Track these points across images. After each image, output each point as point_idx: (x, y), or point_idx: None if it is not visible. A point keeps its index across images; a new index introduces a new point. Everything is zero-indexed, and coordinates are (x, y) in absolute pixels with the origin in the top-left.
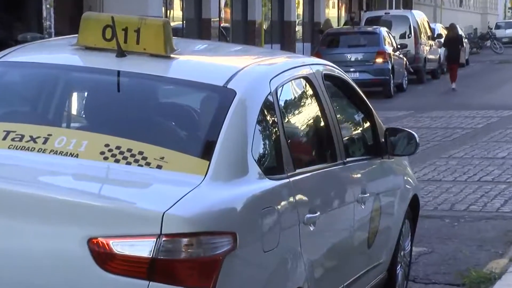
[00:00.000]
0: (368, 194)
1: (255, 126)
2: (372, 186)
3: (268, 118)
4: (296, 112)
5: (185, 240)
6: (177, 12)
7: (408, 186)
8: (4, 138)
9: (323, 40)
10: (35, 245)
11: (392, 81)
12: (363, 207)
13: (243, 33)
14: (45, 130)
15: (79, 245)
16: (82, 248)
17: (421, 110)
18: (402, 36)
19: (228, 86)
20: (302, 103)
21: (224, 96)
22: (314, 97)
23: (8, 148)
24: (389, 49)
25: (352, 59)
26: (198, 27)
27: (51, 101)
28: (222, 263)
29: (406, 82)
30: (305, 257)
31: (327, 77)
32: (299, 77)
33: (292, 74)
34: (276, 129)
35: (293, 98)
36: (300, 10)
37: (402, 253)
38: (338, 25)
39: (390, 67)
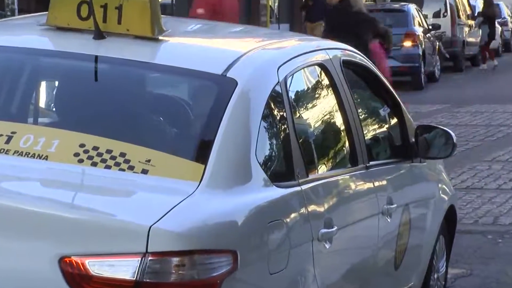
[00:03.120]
0: (396, 205)
1: (260, 122)
2: (400, 195)
3: (276, 113)
4: (309, 106)
5: (175, 260)
6: None
7: (443, 196)
8: None
9: None
10: (1, 263)
11: (423, 69)
12: (389, 220)
13: (246, 11)
14: (8, 126)
15: (49, 265)
16: (53, 268)
17: (459, 104)
18: (436, 15)
19: (228, 75)
20: (316, 95)
21: (223, 86)
22: (330, 88)
23: None
24: (419, 30)
25: None
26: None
27: (15, 92)
28: (220, 287)
29: (439, 70)
30: (319, 281)
31: (346, 64)
32: (313, 64)
33: (304, 61)
34: (285, 126)
35: (305, 89)
36: None
37: (435, 276)
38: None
39: (420, 52)
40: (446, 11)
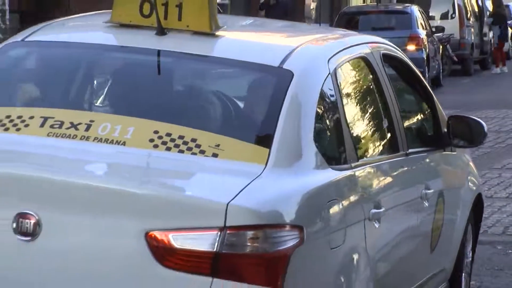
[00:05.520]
0: (432, 191)
1: (315, 111)
2: (435, 181)
3: (328, 102)
4: (356, 96)
5: (250, 233)
6: None
7: (472, 185)
8: (42, 125)
9: (338, 21)
10: (90, 240)
11: (427, 74)
12: (426, 205)
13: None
14: (86, 115)
15: (136, 240)
16: (139, 242)
17: (467, 109)
18: (444, 16)
19: (284, 67)
20: (361, 86)
21: (281, 77)
22: (373, 80)
23: (47, 136)
24: (423, 33)
25: None
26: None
27: (89, 84)
28: (289, 259)
29: (442, 74)
30: (370, 257)
31: (386, 57)
32: (357, 57)
33: (350, 54)
34: (337, 114)
35: (352, 80)
36: None
37: (465, 262)
38: (364, 2)
39: (425, 56)
40: (454, 12)
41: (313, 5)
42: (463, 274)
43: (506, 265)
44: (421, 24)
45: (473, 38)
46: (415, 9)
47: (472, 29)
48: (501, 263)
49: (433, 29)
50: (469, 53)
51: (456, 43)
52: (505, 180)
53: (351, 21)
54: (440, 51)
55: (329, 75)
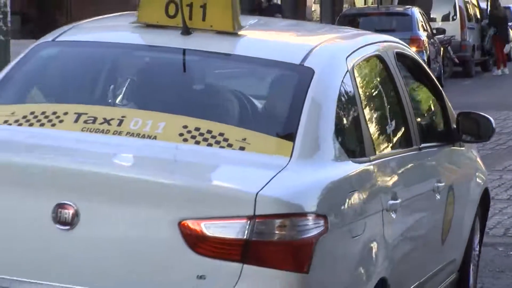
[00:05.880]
0: (443, 184)
1: (336, 106)
2: (446, 175)
3: (347, 98)
4: (372, 92)
5: (278, 222)
6: None
7: (479, 180)
8: (76, 121)
9: (339, 23)
10: (125, 228)
11: None
12: (438, 197)
13: None
14: (118, 111)
15: (170, 228)
16: (173, 231)
17: (468, 111)
18: (445, 18)
19: (305, 64)
20: (376, 83)
21: (302, 74)
22: (387, 77)
23: (82, 131)
24: (423, 35)
25: None
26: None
27: (119, 82)
28: (315, 246)
29: (443, 76)
30: (388, 247)
31: (399, 56)
32: (373, 56)
33: (366, 52)
34: (356, 110)
35: (368, 77)
36: None
37: (473, 253)
38: (365, 4)
39: (426, 58)
40: (455, 14)
41: (314, 7)
42: (471, 265)
43: (507, 267)
44: (422, 26)
45: (474, 39)
46: (416, 11)
47: (473, 31)
48: (503, 265)
49: (434, 31)
50: (470, 55)
51: (457, 45)
52: (506, 182)
53: (352, 23)
54: (441, 53)
55: (347, 72)
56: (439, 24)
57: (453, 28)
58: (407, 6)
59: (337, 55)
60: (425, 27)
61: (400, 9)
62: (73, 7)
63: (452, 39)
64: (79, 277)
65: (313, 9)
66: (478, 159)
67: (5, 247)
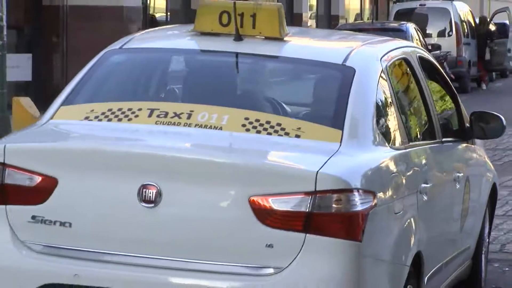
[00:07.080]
0: (462, 174)
1: (375, 101)
2: (463, 168)
3: (384, 93)
4: (403, 90)
5: (335, 196)
6: (159, 1)
7: (489, 174)
8: (150, 116)
9: None
10: (202, 205)
11: None
12: (458, 186)
13: None
14: (186, 107)
15: (241, 204)
16: (245, 206)
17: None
18: (441, 34)
19: (347, 64)
20: (406, 82)
21: (345, 73)
22: (414, 77)
23: (155, 124)
24: None
25: None
26: (185, 18)
27: (184, 81)
28: (367, 218)
29: None
30: (421, 226)
31: (421, 59)
32: (401, 58)
33: (395, 54)
34: (391, 103)
35: (399, 77)
36: (313, 0)
37: (484, 243)
38: (361, 19)
39: None
40: (451, 30)
41: (310, 22)
42: (483, 254)
43: (503, 283)
44: (417, 41)
45: (469, 55)
46: (411, 27)
47: (469, 47)
48: (499, 280)
49: (429, 47)
50: (466, 70)
51: (453, 60)
52: (502, 198)
53: None
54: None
55: (382, 71)
56: (435, 39)
57: (449, 44)
58: (402, 22)
59: (373, 56)
60: (420, 43)
61: (395, 24)
62: (69, 21)
63: (448, 55)
64: (163, 250)
65: (309, 24)
66: (486, 159)
67: (98, 223)
